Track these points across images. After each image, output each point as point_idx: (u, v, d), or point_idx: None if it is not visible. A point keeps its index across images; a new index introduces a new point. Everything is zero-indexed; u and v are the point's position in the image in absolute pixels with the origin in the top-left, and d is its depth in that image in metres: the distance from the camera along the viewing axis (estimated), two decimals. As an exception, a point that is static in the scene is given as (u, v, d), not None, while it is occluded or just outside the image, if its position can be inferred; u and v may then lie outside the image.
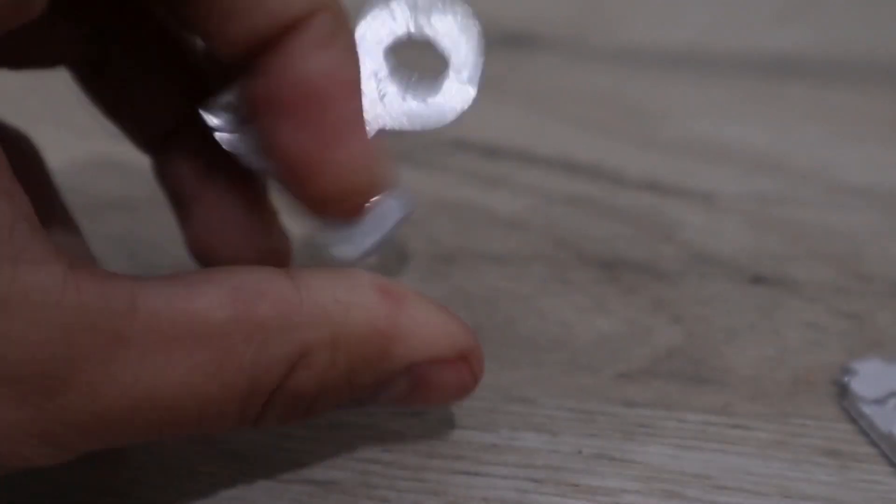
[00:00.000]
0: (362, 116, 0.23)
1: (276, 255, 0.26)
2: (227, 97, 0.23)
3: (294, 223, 0.26)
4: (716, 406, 0.27)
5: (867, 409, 0.25)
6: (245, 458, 0.25)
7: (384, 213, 0.23)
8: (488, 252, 0.31)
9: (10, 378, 0.19)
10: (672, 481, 0.25)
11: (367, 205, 0.23)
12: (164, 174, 0.27)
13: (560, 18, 0.46)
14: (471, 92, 0.23)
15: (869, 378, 0.26)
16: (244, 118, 0.23)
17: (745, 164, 0.36)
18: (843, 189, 0.35)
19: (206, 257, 0.25)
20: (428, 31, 0.23)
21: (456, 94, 0.23)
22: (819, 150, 0.37)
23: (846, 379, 0.26)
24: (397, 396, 0.23)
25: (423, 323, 0.22)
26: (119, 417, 0.20)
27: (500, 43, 0.45)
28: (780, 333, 0.29)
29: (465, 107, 0.24)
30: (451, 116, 0.24)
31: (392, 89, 0.24)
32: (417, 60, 0.24)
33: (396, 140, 0.24)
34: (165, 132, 0.26)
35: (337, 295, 0.21)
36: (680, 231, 0.33)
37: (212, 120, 0.23)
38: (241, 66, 0.23)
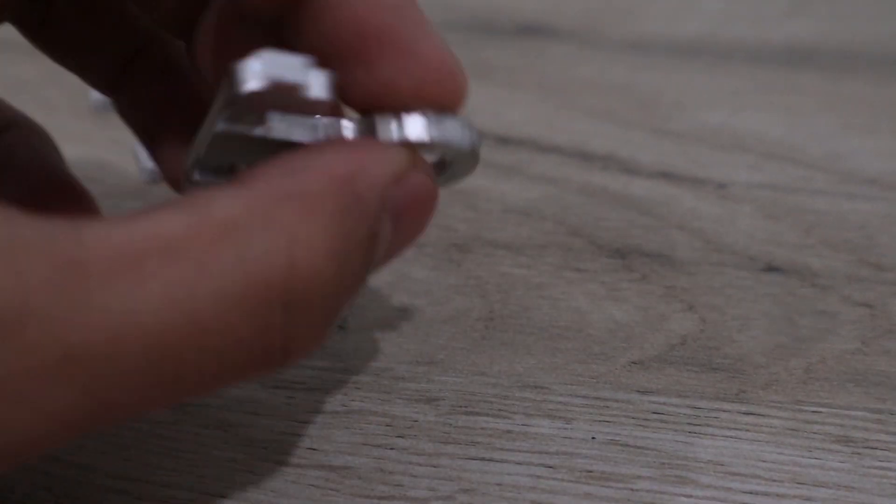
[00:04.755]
0: (424, 20, 0.21)
1: None
2: (200, 153, 0.22)
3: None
4: (729, 393, 0.27)
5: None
6: (261, 443, 0.25)
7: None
8: (502, 240, 0.31)
9: None
10: (685, 468, 0.25)
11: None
12: (125, 111, 0.26)
13: (574, 9, 0.46)
14: None
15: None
16: (227, 166, 0.22)
17: (758, 154, 0.36)
18: (855, 178, 0.35)
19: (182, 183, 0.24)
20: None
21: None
22: (832, 140, 0.37)
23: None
24: (391, 246, 0.22)
25: (370, 151, 0.21)
26: (102, 353, 0.17)
27: (514, 34, 0.45)
28: (793, 321, 0.29)
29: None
30: None
31: None
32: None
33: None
34: (117, 71, 0.26)
35: (280, 171, 0.19)
36: (693, 220, 0.33)
37: (198, 178, 0.22)
38: (280, 21, 0.21)
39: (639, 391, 0.27)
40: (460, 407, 0.26)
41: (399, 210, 0.21)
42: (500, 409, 0.26)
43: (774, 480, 0.24)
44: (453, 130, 0.22)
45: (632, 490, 0.24)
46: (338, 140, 0.21)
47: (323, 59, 0.20)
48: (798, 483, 0.24)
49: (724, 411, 0.26)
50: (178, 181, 0.24)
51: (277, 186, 0.19)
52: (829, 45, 0.43)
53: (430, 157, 0.22)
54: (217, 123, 0.20)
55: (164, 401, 0.18)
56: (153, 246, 0.17)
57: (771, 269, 0.31)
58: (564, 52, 0.43)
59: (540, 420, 0.26)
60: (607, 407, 0.26)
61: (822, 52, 0.43)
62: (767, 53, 0.43)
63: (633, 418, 0.26)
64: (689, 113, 0.39)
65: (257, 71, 0.19)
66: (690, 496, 0.24)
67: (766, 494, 0.24)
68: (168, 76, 0.25)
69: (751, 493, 0.24)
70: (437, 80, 0.21)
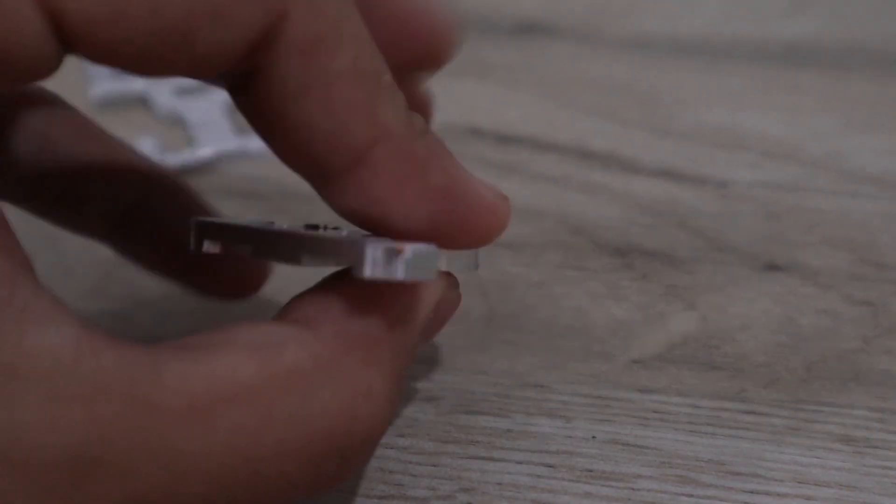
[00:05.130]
0: (465, 189, 0.21)
1: None
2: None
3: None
4: (730, 392, 0.27)
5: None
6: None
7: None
8: (503, 239, 0.31)
9: (27, 466, 0.16)
10: (686, 467, 0.25)
11: None
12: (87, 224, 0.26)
13: (574, 7, 0.46)
14: None
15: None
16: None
17: (759, 152, 0.36)
18: (857, 177, 0.35)
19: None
20: None
21: None
22: (833, 138, 0.37)
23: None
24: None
25: (415, 286, 0.22)
26: (161, 495, 0.17)
27: (514, 32, 0.45)
28: (794, 320, 0.29)
29: None
30: None
31: None
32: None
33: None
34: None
35: (340, 314, 0.20)
36: (694, 218, 0.33)
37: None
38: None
39: (639, 390, 0.27)
40: (461, 406, 0.26)
41: (429, 327, 0.22)
42: (500, 408, 0.26)
43: (775, 480, 0.24)
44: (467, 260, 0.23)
45: (632, 489, 0.24)
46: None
47: (367, 227, 0.21)
48: (799, 482, 0.24)
49: (725, 410, 0.26)
50: (149, 263, 0.26)
51: (342, 332, 0.20)
52: (831, 44, 0.43)
53: None
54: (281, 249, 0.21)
55: None
56: (225, 392, 0.18)
57: (772, 267, 0.31)
58: (565, 51, 0.43)
59: (540, 419, 0.26)
60: (608, 406, 0.26)
61: (824, 51, 0.43)
62: (768, 52, 0.43)
63: (633, 417, 0.26)
64: (689, 111, 0.39)
65: (399, 268, 0.19)
66: (691, 495, 0.24)
67: (766, 494, 0.24)
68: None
69: (752, 492, 0.24)
70: (425, 45, 0.21)
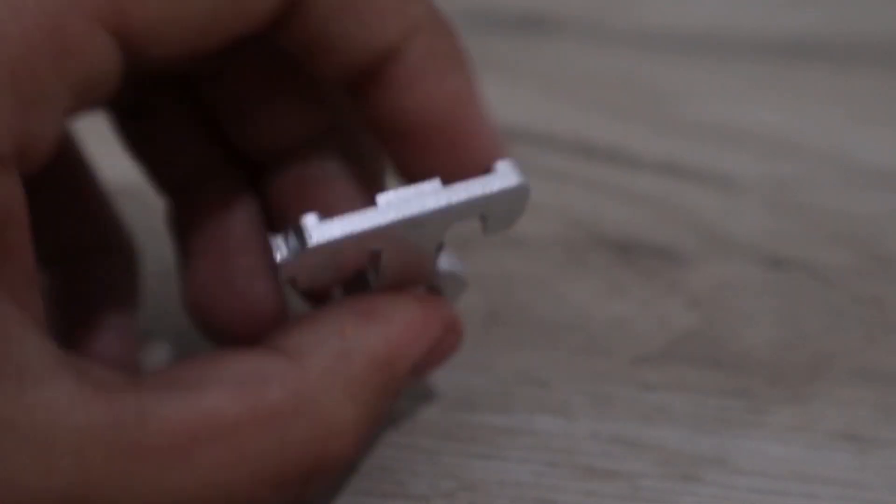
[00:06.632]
0: (479, 110, 0.23)
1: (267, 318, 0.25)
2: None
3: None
4: (734, 389, 0.27)
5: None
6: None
7: None
8: (504, 235, 0.31)
9: None
10: (689, 465, 0.24)
11: None
12: (175, 220, 0.26)
13: (577, 1, 0.46)
14: None
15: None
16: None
17: (763, 147, 0.36)
18: (862, 172, 0.35)
19: (201, 312, 0.25)
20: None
21: None
22: (838, 133, 0.37)
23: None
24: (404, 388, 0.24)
25: (408, 329, 0.23)
26: None
27: (516, 26, 0.44)
28: (799, 317, 0.29)
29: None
30: None
31: None
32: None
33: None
34: (185, 180, 0.26)
35: (329, 350, 0.22)
36: (698, 214, 0.33)
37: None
38: (354, 92, 0.23)
39: (642, 387, 0.27)
40: (462, 403, 0.26)
41: (422, 367, 0.23)
42: (501, 406, 0.26)
43: (780, 477, 0.24)
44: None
45: (635, 487, 0.24)
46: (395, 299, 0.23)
47: (377, 135, 0.23)
48: (804, 480, 0.24)
49: (729, 408, 0.26)
50: (196, 308, 0.25)
51: (328, 370, 0.21)
52: (835, 38, 0.43)
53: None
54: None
55: None
56: (207, 430, 0.19)
57: (777, 263, 0.31)
58: (567, 45, 0.43)
59: (542, 416, 0.26)
60: (610, 403, 0.26)
61: (829, 44, 0.42)
62: (773, 45, 0.42)
63: (636, 414, 0.26)
64: (693, 106, 0.39)
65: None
66: (695, 493, 0.24)
67: (771, 491, 0.24)
68: (229, 209, 0.26)
69: (756, 490, 0.24)
70: (482, 164, 0.22)
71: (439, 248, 0.23)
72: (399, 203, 0.21)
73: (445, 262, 0.24)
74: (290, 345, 0.22)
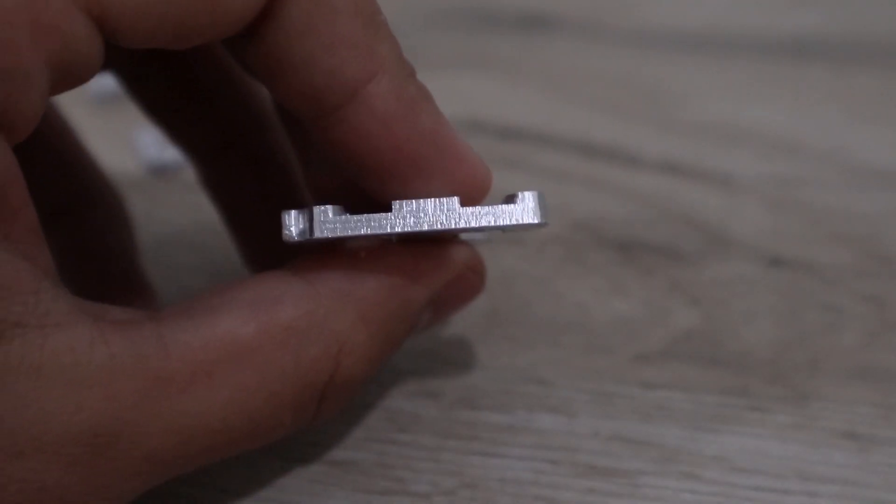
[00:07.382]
0: (455, 137, 0.23)
1: None
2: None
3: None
4: (734, 388, 0.27)
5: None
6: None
7: None
8: (504, 234, 0.31)
9: (56, 445, 0.19)
10: (689, 463, 0.24)
11: None
12: (209, 183, 0.27)
13: (577, 1, 0.46)
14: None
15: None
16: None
17: (763, 146, 0.36)
18: (862, 171, 0.35)
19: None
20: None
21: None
22: (838, 132, 0.37)
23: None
24: (424, 325, 0.24)
25: (429, 256, 0.23)
26: (172, 453, 0.20)
27: (517, 25, 0.44)
28: (799, 316, 0.29)
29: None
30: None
31: None
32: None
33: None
34: (209, 151, 0.27)
35: (343, 272, 0.22)
36: (698, 213, 0.33)
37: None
38: (321, 129, 0.22)
39: (643, 386, 0.27)
40: (463, 401, 0.26)
41: (443, 303, 0.24)
42: (502, 404, 0.26)
43: (779, 476, 0.24)
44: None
45: (635, 485, 0.24)
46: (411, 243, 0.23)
47: (351, 166, 0.22)
48: (803, 479, 0.24)
49: (729, 406, 0.26)
50: (251, 255, 0.27)
51: (340, 290, 0.22)
52: (835, 37, 0.43)
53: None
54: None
55: (201, 465, 0.21)
56: (225, 354, 0.20)
57: (777, 262, 0.31)
58: (568, 44, 0.43)
59: (543, 414, 0.26)
60: (611, 401, 0.26)
61: (829, 44, 0.42)
62: (773, 45, 0.42)
63: (636, 413, 0.26)
64: (694, 105, 0.39)
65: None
66: (694, 491, 0.24)
67: (770, 490, 0.24)
68: (263, 165, 0.27)
69: (756, 488, 0.24)
70: (466, 192, 0.23)
71: None
72: (415, 213, 0.21)
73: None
74: (305, 269, 0.22)
